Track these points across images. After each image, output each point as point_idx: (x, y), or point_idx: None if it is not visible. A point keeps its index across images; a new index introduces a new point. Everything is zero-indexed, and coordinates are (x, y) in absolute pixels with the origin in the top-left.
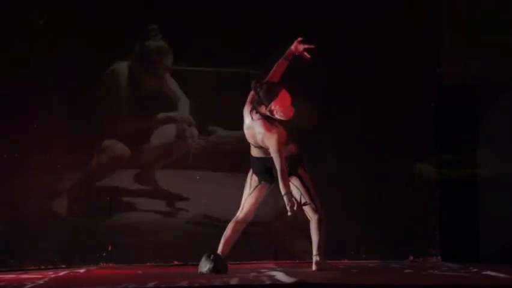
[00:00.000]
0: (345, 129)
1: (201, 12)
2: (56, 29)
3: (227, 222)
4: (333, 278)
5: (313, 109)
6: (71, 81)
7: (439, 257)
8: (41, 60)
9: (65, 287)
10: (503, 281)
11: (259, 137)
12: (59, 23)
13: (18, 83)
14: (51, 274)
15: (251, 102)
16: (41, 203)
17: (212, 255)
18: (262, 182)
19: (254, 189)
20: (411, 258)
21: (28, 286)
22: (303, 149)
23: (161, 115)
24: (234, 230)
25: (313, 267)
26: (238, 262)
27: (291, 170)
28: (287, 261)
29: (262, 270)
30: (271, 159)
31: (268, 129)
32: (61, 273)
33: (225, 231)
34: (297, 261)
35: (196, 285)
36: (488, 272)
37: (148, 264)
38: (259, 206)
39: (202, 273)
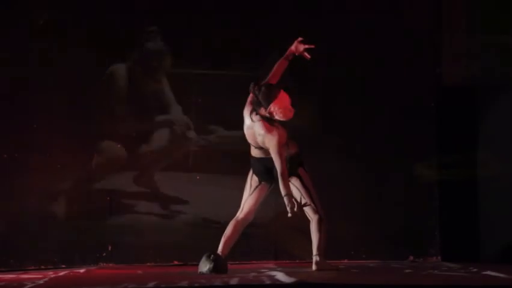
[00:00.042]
0: (345, 129)
1: (201, 12)
2: (56, 29)
3: (227, 222)
4: (333, 278)
5: (313, 109)
6: (71, 81)
7: (439, 257)
8: (41, 60)
9: (65, 287)
10: (503, 281)
11: (259, 138)
12: (59, 23)
13: (18, 83)
14: (51, 274)
15: (251, 104)
16: (41, 203)
17: (212, 255)
18: (263, 182)
19: (254, 189)
20: (411, 258)
21: (28, 286)
22: (303, 149)
23: (161, 116)
24: (234, 230)
25: (313, 267)
26: (238, 262)
27: (291, 171)
28: (287, 261)
29: (262, 270)
30: (271, 159)
31: (268, 131)
32: (61, 273)
33: (225, 231)
34: (297, 261)
35: (196, 285)
36: (488, 272)
37: (148, 264)
38: (259, 206)
39: (202, 273)
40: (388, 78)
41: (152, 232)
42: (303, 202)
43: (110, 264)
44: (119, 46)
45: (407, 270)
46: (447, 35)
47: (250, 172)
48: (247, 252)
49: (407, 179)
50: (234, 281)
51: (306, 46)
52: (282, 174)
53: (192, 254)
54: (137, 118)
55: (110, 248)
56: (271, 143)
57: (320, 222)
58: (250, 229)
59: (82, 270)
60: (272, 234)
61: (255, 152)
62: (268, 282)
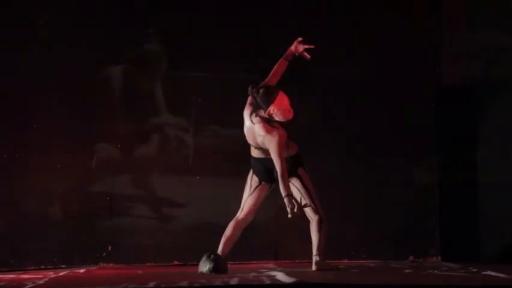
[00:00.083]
0: (345, 129)
1: (201, 12)
2: (56, 29)
3: (227, 222)
4: (333, 278)
5: (313, 109)
6: (71, 81)
7: (439, 257)
8: (41, 60)
9: (65, 287)
10: (503, 281)
11: (259, 139)
12: (59, 23)
13: (18, 83)
14: (51, 274)
15: (251, 105)
16: (41, 203)
17: (212, 255)
18: (263, 182)
19: (254, 189)
20: (411, 258)
21: (28, 286)
22: (303, 149)
23: (161, 116)
24: (234, 230)
25: (313, 267)
26: (238, 262)
27: (291, 171)
28: (287, 261)
29: (262, 270)
30: (271, 160)
31: (268, 132)
32: (61, 273)
33: (225, 231)
34: (297, 261)
35: (196, 285)
36: (488, 272)
37: (148, 264)
38: (259, 206)
39: (202, 273)
40: (388, 78)
41: (152, 232)
42: (303, 202)
43: (110, 264)
44: (119, 46)
45: (407, 270)
46: (447, 35)
47: (250, 172)
48: (247, 252)
49: (407, 179)
50: (234, 281)
51: (306, 46)
52: (282, 175)
53: (192, 254)
54: (137, 118)
55: (110, 248)
56: (271, 144)
57: (320, 222)
58: (250, 229)
59: (82, 270)
60: (272, 234)
61: (255, 153)
62: (268, 282)
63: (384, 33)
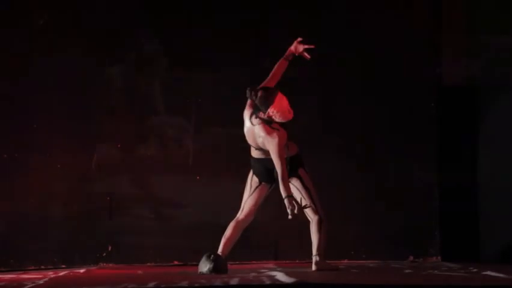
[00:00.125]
0: (345, 129)
1: (201, 12)
2: (56, 29)
3: (227, 222)
4: (333, 278)
5: (313, 109)
6: (71, 81)
7: (439, 257)
8: (41, 60)
9: (65, 287)
10: (503, 281)
11: (259, 140)
12: (59, 23)
13: (18, 83)
14: (51, 274)
15: (251, 106)
16: (41, 203)
17: (212, 255)
18: (263, 183)
19: (254, 190)
20: (411, 258)
21: (28, 286)
22: (303, 149)
23: (161, 116)
24: (234, 230)
25: (313, 268)
26: (238, 262)
27: (291, 171)
28: (287, 261)
29: (262, 270)
30: (271, 160)
31: (268, 133)
32: (61, 273)
33: (226, 231)
34: (297, 261)
35: (196, 285)
36: (488, 272)
37: (148, 264)
38: (259, 207)
39: (202, 274)
40: (388, 78)
41: (152, 232)
42: (303, 203)
43: (110, 264)
44: (119, 46)
45: (407, 270)
46: (447, 35)
47: (251, 173)
48: (247, 252)
49: (407, 179)
50: (234, 281)
51: (306, 46)
52: (282, 176)
53: (192, 254)
54: (137, 118)
55: (110, 248)
56: (271, 145)
57: (319, 223)
58: (250, 229)
59: (82, 270)
60: (272, 234)
61: (255, 153)
62: (268, 282)
63: (384, 33)
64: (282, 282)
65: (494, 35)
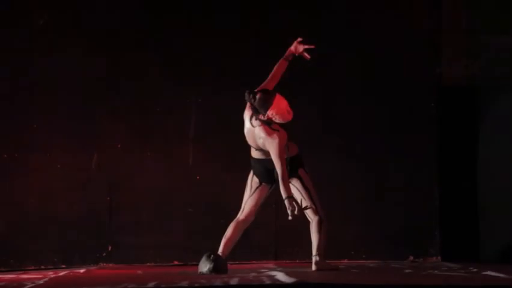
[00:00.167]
0: (345, 129)
1: (201, 12)
2: (56, 29)
3: (227, 223)
4: (333, 278)
5: (313, 109)
6: (71, 81)
7: (439, 257)
8: (41, 60)
9: (65, 287)
10: (503, 281)
11: (260, 141)
12: (59, 23)
13: (18, 83)
14: (51, 274)
15: (250, 108)
16: (41, 203)
17: (212, 255)
18: (263, 183)
19: (255, 190)
20: (411, 258)
21: (28, 286)
22: (303, 149)
23: (162, 116)
24: (234, 230)
25: (313, 267)
26: (238, 262)
27: (291, 172)
28: (287, 261)
29: (262, 270)
30: (271, 160)
31: (269, 134)
32: (61, 273)
33: (226, 232)
34: (297, 261)
35: (196, 285)
36: (488, 272)
37: (148, 264)
38: (260, 207)
39: (202, 273)
40: (388, 78)
41: (152, 232)
42: (303, 203)
43: (110, 264)
44: (119, 46)
45: (407, 270)
46: (447, 35)
47: (251, 173)
48: (247, 252)
49: (407, 179)
50: (234, 281)
51: (306, 46)
52: (282, 177)
53: (192, 254)
54: (137, 118)
55: (110, 248)
56: (271, 146)
57: (319, 223)
58: (250, 229)
59: (82, 270)
60: (272, 234)
61: (255, 154)
62: (268, 282)
63: (384, 33)
64: (282, 282)
65: (494, 35)
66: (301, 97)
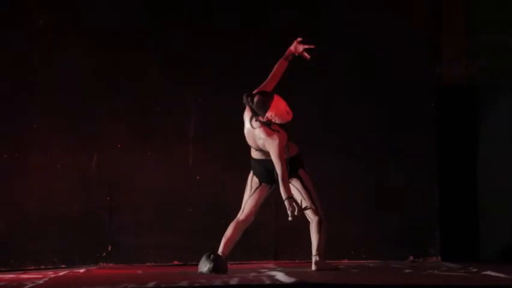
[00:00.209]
0: (345, 129)
1: (201, 12)
2: (56, 29)
3: (227, 223)
4: (333, 278)
5: (313, 109)
6: (71, 81)
7: (439, 257)
8: (41, 60)
9: (65, 287)
10: (503, 281)
11: (260, 142)
12: (59, 23)
13: (18, 83)
14: (51, 274)
15: (250, 110)
16: (41, 203)
17: (212, 255)
18: (263, 183)
19: (255, 190)
20: (411, 258)
21: (28, 286)
22: (303, 149)
23: (162, 116)
24: (234, 230)
25: (313, 267)
26: (238, 262)
27: (291, 172)
28: (287, 261)
29: (262, 270)
30: (271, 161)
31: (269, 135)
32: (61, 273)
33: (226, 232)
34: (297, 261)
35: (196, 285)
36: (488, 272)
37: (148, 264)
38: (260, 207)
39: (202, 273)
40: (388, 78)
41: (152, 232)
42: (303, 203)
43: (110, 264)
44: (119, 46)
45: (407, 270)
46: (447, 35)
47: (251, 173)
48: (247, 252)
49: (407, 179)
50: (234, 281)
51: (306, 46)
52: (282, 178)
53: (192, 254)
54: (137, 118)
55: (110, 248)
56: (271, 147)
57: (319, 223)
58: (250, 229)
59: (81, 270)
60: (272, 234)
61: (255, 154)
62: (268, 282)
63: (384, 33)
64: (282, 282)
65: (494, 35)
66: (301, 97)
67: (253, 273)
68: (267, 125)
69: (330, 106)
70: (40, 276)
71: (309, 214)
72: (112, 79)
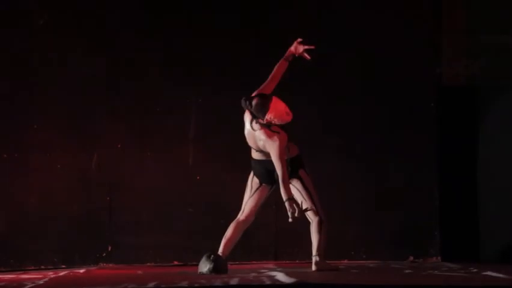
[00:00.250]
0: (345, 129)
1: (201, 12)
2: (56, 29)
3: (227, 223)
4: (333, 278)
5: (313, 109)
6: (71, 81)
7: (439, 257)
8: (41, 60)
9: (65, 287)
10: (503, 281)
11: (260, 143)
12: (59, 23)
13: (18, 83)
14: (51, 274)
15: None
16: (41, 203)
17: (212, 256)
18: (263, 184)
19: (255, 191)
20: (411, 258)
21: (28, 286)
22: (303, 149)
23: (162, 116)
24: (235, 231)
25: (313, 268)
26: (238, 262)
27: (292, 172)
28: (287, 261)
29: (262, 270)
30: (271, 161)
31: (269, 137)
32: (61, 273)
33: (226, 232)
34: (297, 261)
35: (196, 285)
36: (488, 272)
37: (148, 264)
38: (260, 207)
39: (202, 274)
40: (388, 78)
41: (152, 232)
42: (303, 204)
43: (110, 265)
44: (119, 46)
45: (407, 271)
46: (447, 35)
47: (251, 174)
48: (247, 252)
49: (407, 179)
50: (234, 281)
51: (306, 47)
52: (283, 179)
53: (192, 254)
54: (137, 118)
55: (110, 248)
56: (272, 148)
57: (320, 224)
58: (250, 229)
59: (81, 270)
60: (272, 234)
61: (255, 155)
62: (268, 282)
63: (384, 33)
64: (282, 282)
65: (494, 35)
66: (301, 97)
67: (253, 274)
68: (267, 127)
69: (330, 106)
70: (40, 276)
71: (309, 215)
72: (112, 79)
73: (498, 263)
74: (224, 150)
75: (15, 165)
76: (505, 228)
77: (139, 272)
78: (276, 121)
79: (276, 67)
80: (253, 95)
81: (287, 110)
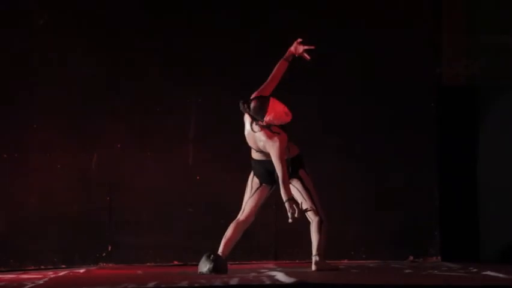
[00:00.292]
0: (345, 129)
1: (201, 12)
2: (56, 29)
3: (227, 223)
4: (333, 278)
5: (313, 109)
6: (71, 82)
7: (439, 257)
8: (41, 60)
9: (65, 287)
10: (503, 281)
11: (260, 144)
12: (59, 23)
13: (18, 83)
14: (51, 274)
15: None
16: (41, 203)
17: (212, 255)
18: (263, 184)
19: (255, 191)
20: (411, 258)
21: (28, 286)
22: (303, 149)
23: (162, 116)
24: (235, 231)
25: (313, 268)
26: (238, 262)
27: (292, 172)
28: (287, 261)
29: (262, 270)
30: (272, 162)
31: (269, 137)
32: (61, 273)
33: (226, 232)
34: (297, 261)
35: (196, 285)
36: (488, 272)
37: (148, 264)
38: (260, 208)
39: (202, 274)
40: (388, 78)
41: (152, 232)
42: (303, 204)
43: (110, 264)
44: (119, 46)
45: (407, 270)
46: (447, 35)
47: (251, 174)
48: (247, 252)
49: (407, 179)
50: (234, 281)
51: (306, 47)
52: (283, 180)
53: (192, 254)
54: (137, 118)
55: (110, 248)
56: (272, 149)
57: (320, 224)
58: (250, 229)
59: (81, 270)
60: (272, 234)
61: (255, 155)
62: (268, 282)
63: (384, 33)
64: (282, 282)
65: (494, 35)
66: (301, 97)
67: (253, 274)
68: (267, 128)
69: (330, 106)
70: (40, 276)
71: (309, 215)
72: (112, 79)
73: (498, 263)
74: (224, 150)
75: (15, 165)
76: (505, 228)
77: (139, 272)
78: (275, 122)
79: (276, 67)
80: (252, 95)
81: (286, 110)
